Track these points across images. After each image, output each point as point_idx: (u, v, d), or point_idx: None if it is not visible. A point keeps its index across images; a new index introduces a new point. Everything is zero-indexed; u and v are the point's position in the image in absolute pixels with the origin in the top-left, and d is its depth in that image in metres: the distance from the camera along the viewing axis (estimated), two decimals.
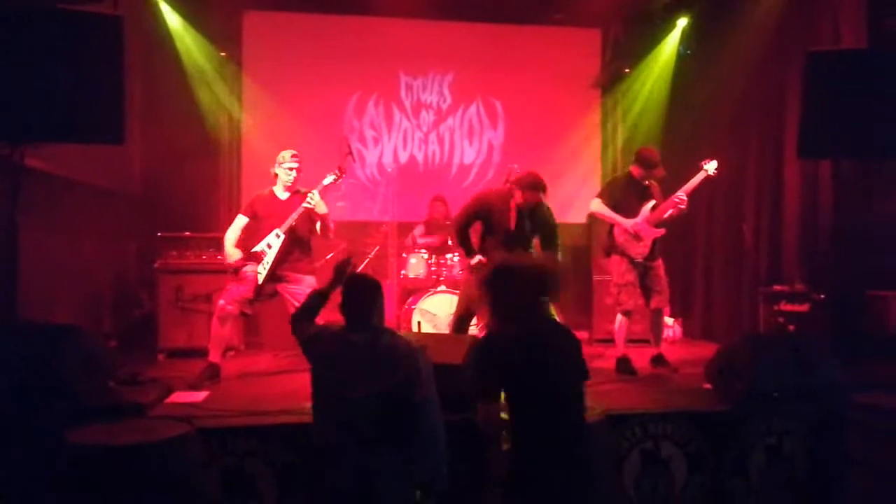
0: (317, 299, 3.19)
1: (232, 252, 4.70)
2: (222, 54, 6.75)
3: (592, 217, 5.17)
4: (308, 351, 2.95)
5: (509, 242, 4.55)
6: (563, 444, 2.64)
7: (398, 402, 2.74)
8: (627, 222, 4.95)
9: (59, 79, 3.38)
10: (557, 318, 4.57)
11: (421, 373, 2.80)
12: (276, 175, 4.81)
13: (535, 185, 4.49)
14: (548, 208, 4.67)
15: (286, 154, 4.81)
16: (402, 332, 4.87)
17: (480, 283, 2.95)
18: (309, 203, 4.63)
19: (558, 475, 2.62)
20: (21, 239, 4.11)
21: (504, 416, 2.74)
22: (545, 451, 2.63)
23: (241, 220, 4.80)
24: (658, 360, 5.02)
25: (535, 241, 4.73)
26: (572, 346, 2.84)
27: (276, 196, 4.84)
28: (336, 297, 3.06)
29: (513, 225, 4.57)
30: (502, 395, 2.73)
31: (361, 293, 2.89)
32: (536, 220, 4.62)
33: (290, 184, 4.79)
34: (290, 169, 4.75)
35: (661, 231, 4.97)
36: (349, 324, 2.88)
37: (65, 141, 3.72)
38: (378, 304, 2.92)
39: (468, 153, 7.41)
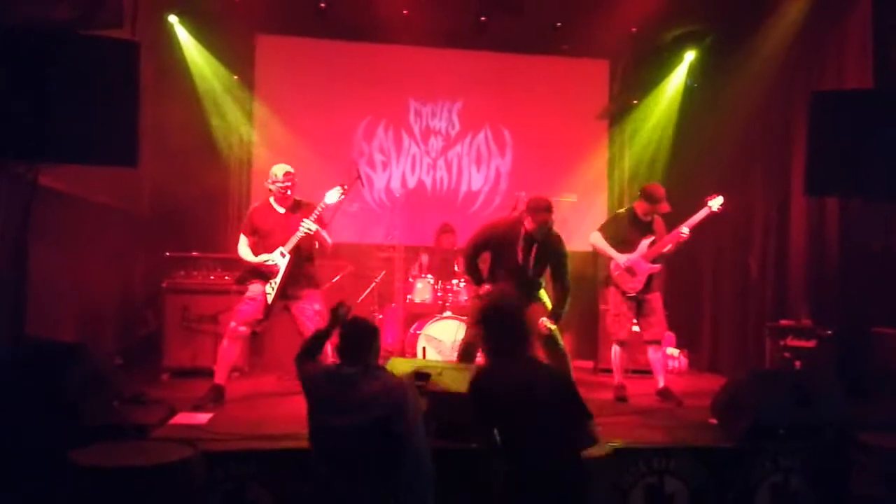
0: (317, 340, 3.38)
1: (264, 257, 4.67)
2: (235, 77, 6.83)
3: (593, 248, 5.21)
4: (306, 387, 3.06)
5: (518, 273, 4.55)
6: (550, 480, 2.67)
7: (383, 434, 2.82)
8: (621, 258, 5.01)
9: (76, 101, 3.43)
10: (562, 345, 4.61)
11: (407, 406, 2.88)
12: (270, 190, 4.78)
13: (546, 208, 4.48)
14: (558, 237, 4.67)
15: (279, 172, 4.73)
16: (406, 358, 4.94)
17: (475, 317, 3.05)
18: (306, 230, 4.62)
19: None
20: (31, 256, 4.15)
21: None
22: (533, 487, 2.66)
23: (244, 240, 4.80)
24: (664, 393, 5.01)
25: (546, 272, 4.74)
26: (557, 386, 2.88)
27: (273, 209, 4.79)
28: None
29: (521, 255, 4.57)
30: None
31: (357, 337, 3.02)
32: (546, 249, 4.61)
33: (285, 199, 4.76)
34: (283, 188, 4.71)
35: (657, 267, 5.05)
36: (342, 360, 2.99)
37: (79, 162, 3.77)
38: (373, 346, 3.04)
39: (476, 179, 7.46)
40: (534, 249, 4.57)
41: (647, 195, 5.05)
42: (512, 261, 4.57)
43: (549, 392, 2.81)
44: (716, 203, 4.94)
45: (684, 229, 4.94)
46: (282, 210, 4.78)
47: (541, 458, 2.70)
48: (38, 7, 3.61)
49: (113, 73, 3.52)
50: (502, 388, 2.79)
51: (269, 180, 4.76)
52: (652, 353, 5.09)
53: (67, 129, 3.43)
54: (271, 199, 4.82)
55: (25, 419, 3.36)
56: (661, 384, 5.04)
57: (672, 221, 5.12)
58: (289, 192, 4.75)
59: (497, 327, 2.96)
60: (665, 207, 5.01)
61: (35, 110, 3.35)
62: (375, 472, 2.81)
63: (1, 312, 3.91)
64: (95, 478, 2.83)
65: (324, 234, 4.72)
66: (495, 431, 2.79)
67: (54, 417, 3.42)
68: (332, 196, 4.72)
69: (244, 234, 4.82)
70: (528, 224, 4.53)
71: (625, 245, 5.05)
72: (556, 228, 4.67)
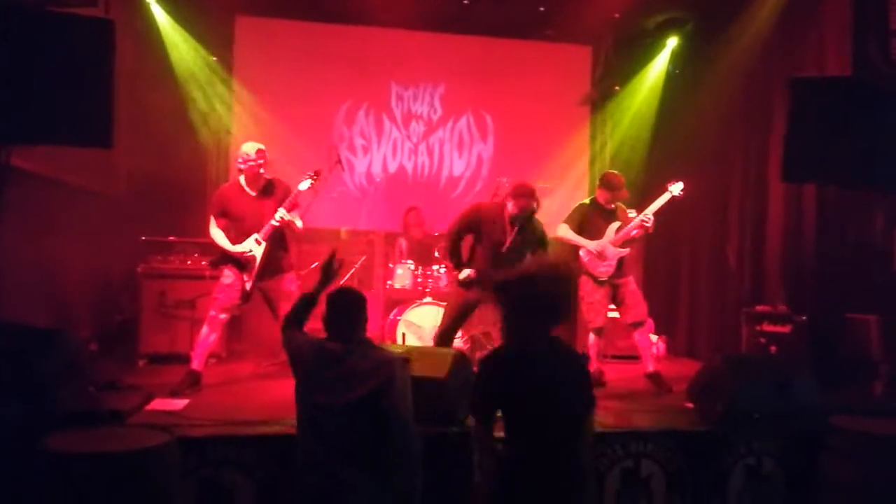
0: (305, 305, 3.17)
1: (240, 245, 4.59)
2: (213, 59, 6.72)
3: (560, 240, 5.21)
4: (293, 361, 2.96)
5: (500, 256, 4.56)
6: (553, 467, 2.62)
7: (371, 411, 2.74)
8: (590, 244, 5.08)
9: (48, 81, 3.35)
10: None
11: (395, 383, 2.78)
12: (240, 169, 4.64)
13: (529, 193, 4.53)
14: (539, 223, 4.71)
15: (250, 150, 4.58)
16: (385, 344, 4.92)
17: (498, 288, 2.84)
18: (281, 219, 4.55)
19: (545, 496, 2.61)
20: (2, 239, 4.07)
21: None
22: (534, 473, 2.62)
23: (215, 223, 4.69)
24: (654, 378, 5.03)
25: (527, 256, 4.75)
26: (577, 371, 2.76)
27: (244, 191, 4.65)
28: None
29: (502, 238, 4.58)
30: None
31: (345, 307, 2.89)
32: (528, 234, 4.63)
33: (256, 178, 4.62)
34: (256, 166, 4.55)
35: (626, 251, 5.13)
36: (329, 334, 2.89)
37: (52, 143, 3.70)
38: (361, 318, 2.92)
39: (457, 165, 7.43)
40: (514, 233, 4.58)
41: (606, 183, 5.13)
42: (493, 244, 4.59)
43: (569, 375, 2.69)
44: (676, 188, 5.04)
45: (648, 215, 4.99)
46: (253, 193, 4.66)
47: (550, 446, 2.59)
48: None
49: (87, 51, 3.44)
50: (511, 372, 2.63)
51: (240, 159, 4.61)
52: (638, 336, 5.12)
53: (40, 110, 3.36)
54: (241, 180, 4.67)
55: None
56: (650, 368, 5.05)
57: (641, 204, 5.18)
58: (261, 171, 4.62)
59: (527, 302, 2.69)
60: (624, 194, 5.13)
61: (6, 90, 3.27)
62: (363, 450, 2.76)
63: None
64: (70, 464, 2.79)
65: (296, 220, 4.65)
66: (497, 414, 2.67)
67: (28, 403, 3.37)
68: (304, 185, 4.65)
69: (214, 215, 4.69)
70: (511, 208, 4.55)
71: (591, 234, 5.12)
72: (539, 214, 4.68)
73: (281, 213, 4.55)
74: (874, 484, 3.41)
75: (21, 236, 4.40)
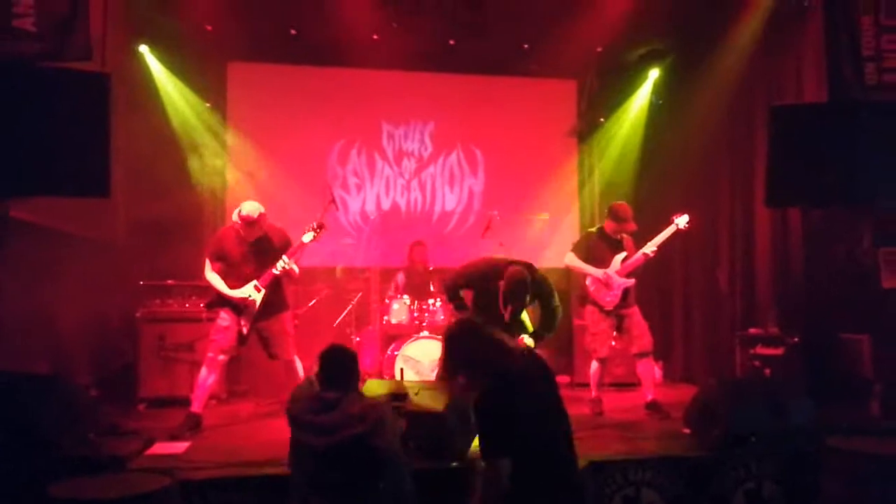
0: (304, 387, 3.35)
1: (238, 291, 4.66)
2: (207, 105, 6.85)
3: (567, 268, 5.29)
4: (290, 414, 3.09)
5: (499, 319, 4.39)
6: (559, 485, 2.68)
7: (362, 452, 2.88)
8: (598, 272, 5.12)
9: (46, 134, 3.45)
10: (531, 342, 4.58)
11: (384, 425, 2.96)
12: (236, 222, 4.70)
13: (515, 297, 4.34)
14: (542, 279, 4.54)
15: (254, 213, 4.60)
16: (384, 380, 4.96)
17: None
18: (280, 270, 4.63)
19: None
20: (2, 288, 4.13)
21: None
22: (544, 492, 2.67)
23: (211, 266, 4.74)
24: (653, 406, 5.05)
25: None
26: (552, 377, 2.91)
27: (242, 237, 4.71)
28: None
29: (501, 308, 4.43)
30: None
31: (337, 363, 3.12)
32: (530, 295, 4.46)
33: (249, 237, 4.68)
34: (249, 225, 4.61)
35: (632, 281, 5.15)
36: (323, 386, 3.07)
37: (51, 195, 3.78)
38: (352, 370, 3.13)
39: (449, 200, 7.54)
40: (509, 308, 4.42)
41: (613, 214, 5.18)
42: (492, 309, 4.45)
43: (551, 383, 2.86)
44: (682, 221, 5.06)
45: (651, 247, 5.05)
46: (250, 239, 4.72)
47: (558, 458, 2.71)
48: (5, 41, 3.62)
49: (83, 104, 3.55)
50: (511, 387, 2.71)
51: (239, 214, 4.65)
52: (641, 367, 5.14)
53: (38, 162, 3.46)
54: (237, 226, 4.74)
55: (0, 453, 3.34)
56: (649, 397, 5.08)
57: (642, 235, 5.23)
58: (254, 229, 4.67)
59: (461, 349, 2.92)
60: (631, 226, 5.14)
61: (5, 145, 3.37)
62: (357, 494, 2.87)
63: None
64: None
65: (293, 266, 4.73)
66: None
67: (30, 451, 3.40)
68: (307, 237, 4.71)
69: (210, 258, 4.74)
70: (505, 290, 4.40)
71: (597, 262, 5.16)
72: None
73: (282, 263, 4.63)
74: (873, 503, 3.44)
75: (21, 285, 4.46)
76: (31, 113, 3.44)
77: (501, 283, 4.41)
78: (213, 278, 4.73)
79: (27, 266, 4.59)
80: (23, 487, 3.17)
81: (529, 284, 4.37)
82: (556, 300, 4.62)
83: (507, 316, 4.42)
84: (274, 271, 4.63)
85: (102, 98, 3.55)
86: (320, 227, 4.77)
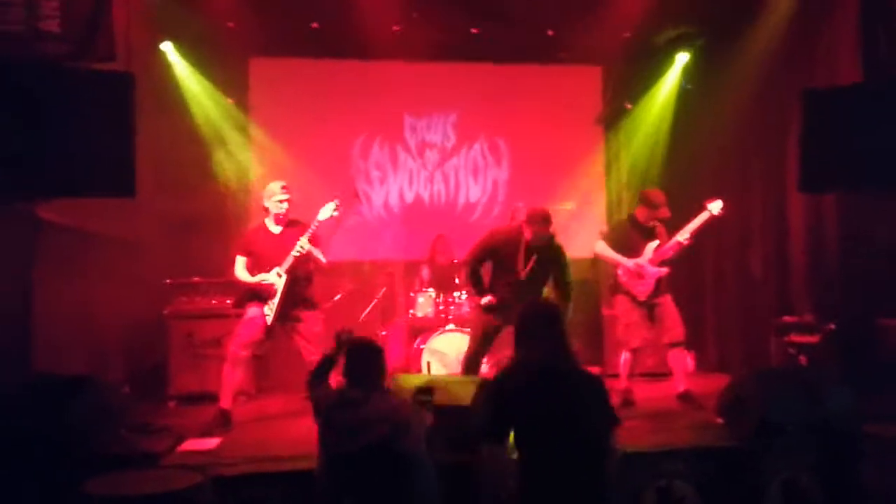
0: (326, 365, 3.42)
1: (262, 277, 4.67)
2: (230, 101, 6.88)
3: (596, 257, 5.23)
4: (316, 410, 3.12)
5: (520, 282, 4.57)
6: (572, 487, 2.61)
7: (388, 455, 2.85)
8: (629, 262, 5.01)
9: (72, 135, 3.48)
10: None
11: (410, 426, 2.93)
12: (267, 208, 4.78)
13: (543, 219, 4.50)
14: (558, 247, 4.68)
15: (275, 186, 4.78)
16: (411, 374, 4.95)
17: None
18: (300, 251, 4.62)
19: None
20: (35, 290, 4.19)
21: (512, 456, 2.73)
22: (554, 495, 2.61)
23: (241, 261, 4.77)
24: (685, 397, 4.97)
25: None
26: (594, 391, 2.78)
27: (268, 230, 4.80)
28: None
29: (521, 265, 4.58)
30: (511, 436, 2.73)
31: (362, 359, 3.08)
32: (547, 259, 4.62)
33: (282, 216, 4.76)
34: (281, 202, 4.73)
35: (665, 270, 5.03)
36: (349, 383, 3.05)
37: (78, 196, 3.82)
38: (379, 366, 3.09)
39: (473, 191, 7.49)
40: (533, 259, 4.58)
41: (646, 201, 5.07)
42: (512, 271, 4.58)
43: (587, 393, 2.72)
44: (716, 207, 4.92)
45: (685, 235, 4.94)
46: (277, 230, 4.78)
47: (568, 470, 2.59)
48: (30, 43, 3.66)
49: (108, 105, 3.57)
50: (524, 391, 2.67)
51: (266, 196, 4.77)
52: (673, 357, 5.05)
53: (65, 163, 3.48)
54: (267, 221, 4.82)
55: (36, 452, 3.39)
56: (681, 388, 5.00)
57: (672, 222, 5.14)
58: (286, 206, 4.74)
59: (528, 325, 2.86)
60: (665, 212, 5.02)
61: (31, 146, 3.40)
62: (381, 493, 2.85)
63: (9, 350, 3.94)
64: None
65: (317, 252, 4.71)
66: (510, 442, 2.69)
67: (65, 449, 3.44)
68: (326, 212, 4.71)
69: (240, 254, 4.79)
70: (528, 234, 4.54)
71: (629, 251, 5.05)
72: (557, 236, 4.68)
73: (301, 242, 4.61)
74: None
75: (52, 286, 4.53)
76: (56, 114, 3.46)
77: (524, 235, 4.49)
78: (241, 272, 4.76)
79: (57, 266, 4.65)
80: (59, 485, 3.21)
81: (550, 217, 4.49)
82: (570, 274, 4.67)
83: (525, 271, 4.52)
84: (294, 253, 4.60)
85: (127, 97, 3.56)
86: (340, 204, 4.75)
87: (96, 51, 3.63)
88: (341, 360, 3.20)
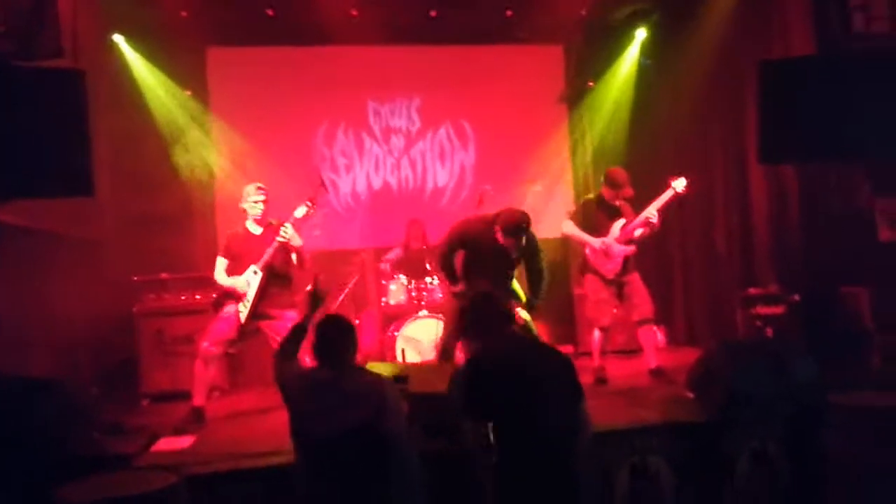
0: (296, 334, 3.22)
1: (230, 282, 4.67)
2: (187, 93, 6.74)
3: (565, 237, 5.26)
4: (284, 393, 2.98)
5: (493, 271, 4.54)
6: (547, 464, 2.69)
7: (368, 436, 2.75)
8: (596, 241, 5.06)
9: (24, 136, 3.37)
10: (535, 332, 4.65)
11: (388, 404, 2.82)
12: (245, 210, 4.81)
13: (517, 230, 4.39)
14: (532, 237, 4.61)
15: (251, 188, 4.83)
16: (385, 362, 4.95)
17: (458, 314, 3.04)
18: (283, 237, 4.63)
19: (544, 495, 2.65)
20: None
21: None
22: (530, 472, 2.68)
23: (222, 263, 4.79)
24: (656, 372, 5.05)
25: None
26: (561, 366, 2.91)
27: (249, 232, 4.84)
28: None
29: (494, 259, 4.52)
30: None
31: (333, 334, 2.93)
32: (520, 249, 4.56)
33: (259, 217, 4.79)
34: (256, 202, 4.77)
35: (632, 249, 5.09)
36: (319, 363, 2.92)
37: (34, 197, 3.72)
38: (350, 344, 2.95)
39: (441, 175, 7.46)
40: (508, 248, 4.52)
41: (609, 180, 5.12)
42: (485, 262, 4.53)
43: (548, 368, 2.85)
44: (680, 184, 4.95)
45: (652, 212, 4.98)
46: (258, 231, 4.81)
47: (541, 443, 2.69)
48: None
49: (60, 103, 3.46)
50: (500, 366, 2.79)
51: (243, 199, 4.81)
52: (643, 333, 5.12)
53: (18, 165, 3.38)
54: (247, 223, 4.85)
55: (5, 458, 3.32)
56: (653, 364, 5.07)
57: (637, 199, 5.18)
58: (262, 207, 4.76)
59: (477, 311, 3.01)
60: (628, 191, 5.07)
61: None
62: (363, 478, 2.76)
63: None
64: None
65: (294, 236, 4.70)
66: (488, 425, 2.76)
67: (34, 454, 3.38)
68: (300, 211, 4.70)
69: (221, 255, 4.82)
70: (499, 238, 4.44)
71: (596, 231, 5.11)
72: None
73: (285, 228, 4.61)
74: (877, 458, 3.45)
75: (14, 288, 4.42)
76: (6, 115, 3.35)
77: (496, 229, 4.40)
78: (220, 275, 4.75)
79: (18, 269, 4.54)
80: (29, 491, 3.15)
81: (527, 222, 4.38)
82: (543, 262, 4.66)
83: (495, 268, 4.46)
84: (278, 238, 4.60)
85: (79, 95, 3.46)
86: (312, 201, 4.74)
87: (42, 47, 3.52)
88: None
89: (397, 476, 2.80)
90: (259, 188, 4.80)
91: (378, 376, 2.98)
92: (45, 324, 5.07)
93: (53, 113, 3.41)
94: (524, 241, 4.46)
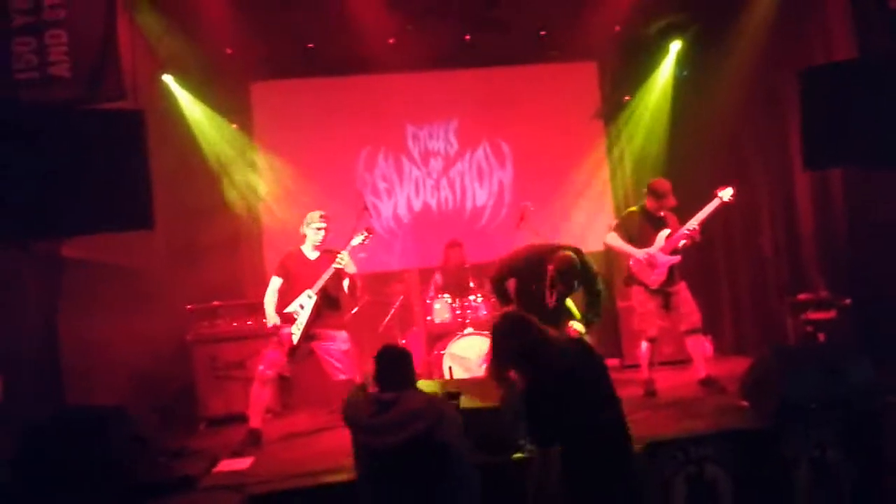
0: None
1: (273, 316, 4.81)
2: (234, 126, 6.97)
3: (608, 249, 5.28)
4: (348, 418, 3.14)
5: (543, 307, 4.47)
6: (612, 471, 2.74)
7: (427, 446, 2.89)
8: (639, 252, 5.06)
9: (90, 174, 3.56)
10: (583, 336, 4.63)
11: (444, 417, 2.97)
12: (305, 235, 4.97)
13: (568, 278, 4.39)
14: (585, 265, 4.56)
15: (314, 215, 4.99)
16: (434, 380, 5.01)
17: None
18: (339, 264, 4.76)
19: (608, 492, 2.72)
20: (61, 326, 4.29)
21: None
22: (594, 478, 2.73)
23: (276, 282, 4.93)
24: (707, 382, 5.01)
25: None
26: (602, 367, 3.01)
27: (304, 255, 4.99)
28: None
29: (547, 294, 4.51)
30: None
31: (391, 362, 3.14)
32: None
33: (318, 244, 4.95)
34: (319, 229, 4.94)
35: (677, 258, 5.07)
36: (380, 387, 3.10)
37: (98, 232, 3.90)
38: (408, 369, 3.15)
39: (480, 195, 7.55)
40: (556, 291, 4.50)
41: (652, 191, 5.13)
42: (537, 297, 4.52)
43: (595, 368, 2.95)
44: (726, 194, 4.94)
45: (693, 224, 4.97)
46: (313, 256, 4.96)
47: (604, 447, 2.78)
48: (41, 89, 3.75)
49: (121, 142, 3.66)
50: (554, 385, 2.87)
51: (305, 224, 4.97)
52: (691, 343, 5.10)
53: (85, 202, 3.56)
54: (303, 247, 5.00)
55: (77, 486, 3.46)
56: (703, 374, 5.04)
57: (679, 211, 5.18)
58: (322, 234, 4.94)
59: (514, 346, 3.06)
60: (671, 201, 5.08)
61: (53, 188, 3.48)
62: (424, 493, 2.89)
63: (41, 385, 4.03)
64: None
65: (350, 263, 4.85)
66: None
67: (104, 481, 3.52)
68: (357, 240, 4.89)
69: (276, 274, 4.96)
70: (551, 272, 4.45)
71: (641, 242, 5.11)
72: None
73: (340, 257, 4.76)
74: None
75: (77, 320, 4.62)
76: (72, 155, 3.54)
77: (549, 268, 4.43)
78: (270, 297, 4.88)
79: (80, 301, 4.75)
80: None
81: (580, 268, 4.39)
82: (601, 284, 4.66)
83: (552, 301, 4.45)
84: (334, 265, 4.75)
85: (138, 133, 3.65)
86: (370, 231, 4.93)
87: (106, 91, 3.73)
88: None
89: (455, 483, 2.91)
90: (322, 216, 4.97)
91: (435, 395, 3.18)
92: (106, 354, 5.26)
93: (116, 152, 3.60)
94: (577, 284, 4.47)
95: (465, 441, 3.03)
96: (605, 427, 2.82)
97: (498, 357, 3.10)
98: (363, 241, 4.89)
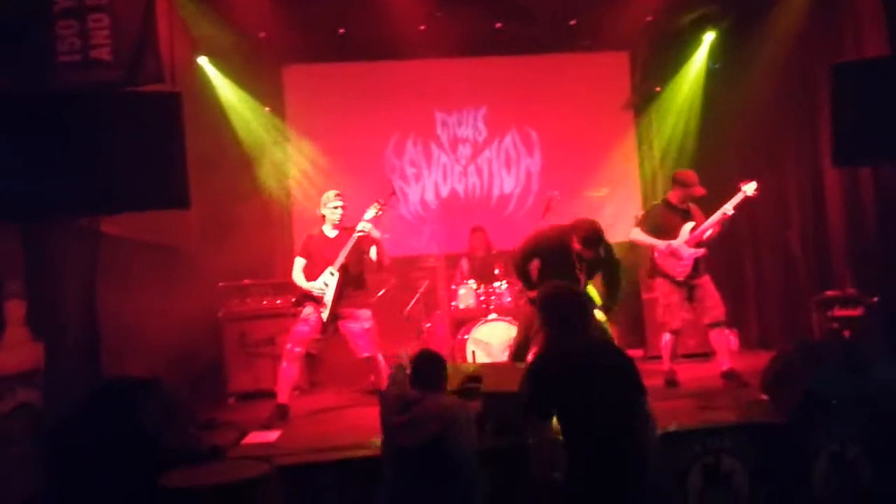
0: None
1: (311, 284, 4.94)
2: (266, 109, 7.09)
3: (632, 244, 5.30)
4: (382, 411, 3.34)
5: (566, 279, 4.56)
6: (616, 460, 2.79)
7: (437, 450, 3.07)
8: (662, 244, 5.08)
9: (130, 155, 3.67)
10: (611, 335, 4.72)
11: (458, 428, 3.14)
12: (324, 216, 5.10)
13: (597, 241, 4.49)
14: (609, 249, 4.68)
15: (330, 194, 5.12)
16: (456, 363, 5.12)
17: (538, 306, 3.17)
18: (362, 231, 4.86)
19: (614, 488, 2.77)
20: (99, 300, 4.44)
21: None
22: (600, 468, 2.79)
23: (299, 262, 5.08)
24: (729, 375, 5.03)
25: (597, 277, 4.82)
26: (621, 362, 3.01)
27: (325, 235, 5.13)
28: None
29: (571, 271, 4.57)
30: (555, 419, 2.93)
31: (427, 367, 3.35)
32: (597, 262, 4.64)
33: (337, 222, 5.07)
34: (336, 208, 5.06)
35: (702, 251, 5.07)
36: (412, 385, 3.31)
37: (138, 210, 4.02)
38: (437, 373, 3.35)
39: (507, 182, 7.59)
40: (583, 261, 4.60)
41: (679, 181, 5.14)
42: (559, 272, 4.53)
43: (613, 366, 2.97)
44: (750, 188, 4.94)
45: (729, 209, 4.95)
46: (333, 234, 5.09)
47: (602, 437, 2.81)
48: (83, 72, 3.87)
49: (159, 123, 3.74)
50: (563, 363, 2.93)
51: (322, 204, 5.12)
52: (715, 336, 5.11)
53: (125, 180, 3.68)
54: (324, 227, 5.14)
55: (112, 453, 3.61)
56: (725, 367, 5.05)
57: (706, 204, 5.18)
58: (340, 212, 5.06)
59: (556, 308, 3.13)
60: (699, 191, 5.07)
61: (91, 166, 3.61)
62: (434, 480, 3.07)
63: (79, 358, 4.19)
64: (187, 497, 3.07)
65: (372, 230, 4.94)
66: (553, 421, 2.91)
67: (139, 449, 3.67)
68: (370, 213, 4.96)
69: (299, 256, 5.12)
70: (577, 247, 4.53)
71: (666, 234, 5.11)
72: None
73: (362, 223, 4.88)
74: None
75: (115, 296, 4.77)
76: (112, 136, 3.65)
77: (573, 238, 4.50)
78: (298, 276, 5.03)
79: (117, 277, 4.89)
80: (137, 482, 3.43)
81: (602, 235, 4.48)
82: (619, 268, 4.74)
83: (583, 279, 4.54)
84: (356, 232, 4.86)
85: (176, 115, 3.74)
86: (382, 203, 5.01)
87: (145, 74, 3.82)
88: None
89: (462, 481, 3.09)
90: (338, 195, 5.10)
91: (455, 400, 3.35)
92: (141, 329, 5.43)
93: (155, 133, 3.70)
94: (602, 251, 4.54)
95: (475, 447, 3.22)
96: (619, 433, 2.83)
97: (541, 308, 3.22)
98: (377, 212, 4.97)
